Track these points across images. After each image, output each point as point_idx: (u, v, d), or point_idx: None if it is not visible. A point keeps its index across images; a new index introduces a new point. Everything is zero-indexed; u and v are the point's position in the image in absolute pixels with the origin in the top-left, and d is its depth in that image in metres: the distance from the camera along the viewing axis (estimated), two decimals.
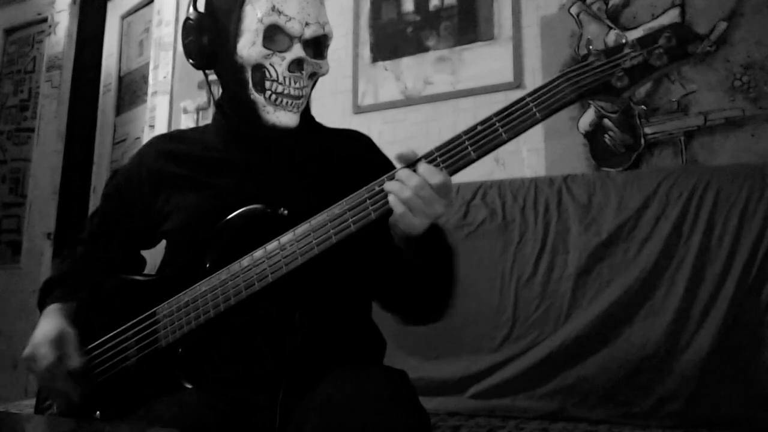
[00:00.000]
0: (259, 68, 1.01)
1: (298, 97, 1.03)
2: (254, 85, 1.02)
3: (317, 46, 1.06)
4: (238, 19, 1.01)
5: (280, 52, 1.01)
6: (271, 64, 1.00)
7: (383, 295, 1.06)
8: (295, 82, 1.02)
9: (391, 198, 0.85)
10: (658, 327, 1.43)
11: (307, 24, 1.01)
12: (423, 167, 0.85)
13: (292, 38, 1.01)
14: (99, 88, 3.26)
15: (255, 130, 1.05)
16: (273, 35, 1.01)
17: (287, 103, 1.02)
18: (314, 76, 1.07)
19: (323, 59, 1.07)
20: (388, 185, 0.86)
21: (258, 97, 1.02)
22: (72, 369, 0.97)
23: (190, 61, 1.08)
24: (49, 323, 1.01)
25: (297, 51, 1.01)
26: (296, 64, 1.02)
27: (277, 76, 1.01)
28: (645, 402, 1.39)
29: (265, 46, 1.00)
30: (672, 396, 1.37)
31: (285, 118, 1.02)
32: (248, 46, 1.00)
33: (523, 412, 1.48)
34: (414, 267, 0.93)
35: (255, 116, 1.03)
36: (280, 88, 1.01)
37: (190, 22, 1.05)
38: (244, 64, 1.01)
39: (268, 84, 1.01)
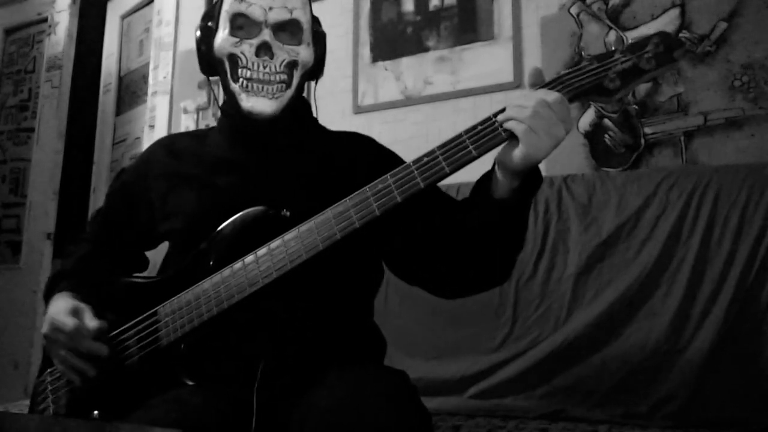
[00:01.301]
0: (232, 58, 1.05)
1: (269, 82, 1.04)
2: (232, 75, 1.05)
3: (292, 32, 1.06)
4: (217, 18, 1.07)
5: (248, 39, 1.04)
6: (242, 52, 1.04)
7: (440, 267, 1.00)
8: (264, 67, 1.03)
9: (510, 123, 0.84)
10: (658, 327, 1.43)
11: (270, 8, 1.03)
12: (537, 90, 0.85)
13: (258, 24, 1.04)
14: (99, 88, 3.26)
15: (238, 121, 1.07)
16: (240, 23, 1.05)
17: (259, 88, 1.03)
18: (295, 65, 1.06)
19: (299, 45, 1.06)
20: (508, 108, 0.85)
21: (235, 86, 1.05)
22: (94, 329, 0.97)
23: (201, 71, 1.13)
24: (61, 302, 1.03)
25: (263, 35, 1.03)
26: (264, 49, 1.04)
27: (247, 62, 1.03)
28: (645, 402, 1.39)
29: (232, 34, 1.04)
30: (672, 396, 1.37)
31: (258, 104, 1.03)
32: (220, 39, 1.05)
33: (523, 412, 1.47)
34: (505, 208, 0.89)
35: (236, 106, 1.05)
36: (248, 74, 1.03)
37: (197, 33, 1.11)
38: (220, 56, 1.06)
39: (240, 71, 1.04)
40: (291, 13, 1.05)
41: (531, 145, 0.82)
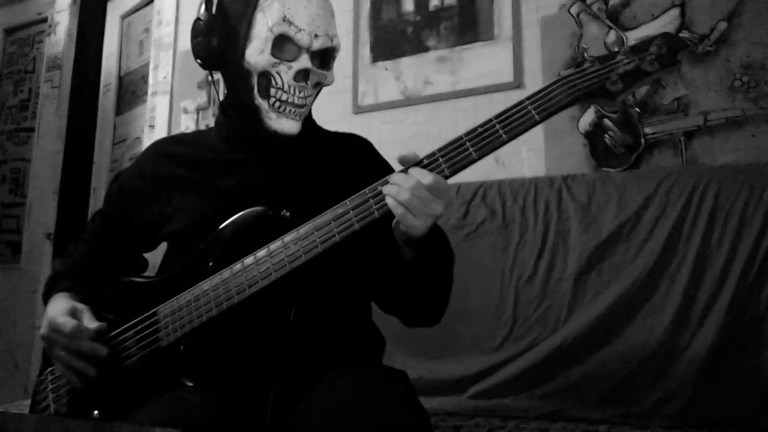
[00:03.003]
0: (265, 75, 1.02)
1: (301, 106, 1.04)
2: (259, 91, 1.03)
3: (324, 57, 1.07)
4: (249, 25, 1.02)
5: (288, 61, 1.02)
6: (277, 72, 1.01)
7: (383, 297, 1.07)
8: (300, 92, 1.03)
9: (389, 201, 0.86)
10: (658, 327, 1.43)
11: (316, 36, 1.02)
12: (415, 170, 0.87)
13: (300, 49, 1.02)
14: (99, 88, 3.25)
15: (256, 134, 1.06)
16: (282, 44, 1.02)
17: (290, 111, 1.03)
18: (319, 86, 1.08)
19: (329, 70, 1.08)
20: (386, 189, 0.87)
21: (262, 103, 1.03)
22: (93, 329, 0.98)
23: (198, 61, 1.08)
24: (59, 303, 1.03)
25: (304, 62, 1.02)
26: (302, 75, 1.03)
27: (283, 84, 1.02)
28: (645, 402, 1.39)
29: (273, 54, 1.01)
30: (672, 396, 1.37)
31: (287, 125, 1.03)
32: (256, 53, 1.01)
33: (523, 412, 1.47)
34: (415, 269, 0.94)
35: (257, 120, 1.04)
36: (284, 96, 1.02)
37: (201, 22, 1.06)
38: (251, 69, 1.02)
39: (273, 91, 1.02)
40: (332, 40, 1.05)
41: (407, 225, 0.86)
